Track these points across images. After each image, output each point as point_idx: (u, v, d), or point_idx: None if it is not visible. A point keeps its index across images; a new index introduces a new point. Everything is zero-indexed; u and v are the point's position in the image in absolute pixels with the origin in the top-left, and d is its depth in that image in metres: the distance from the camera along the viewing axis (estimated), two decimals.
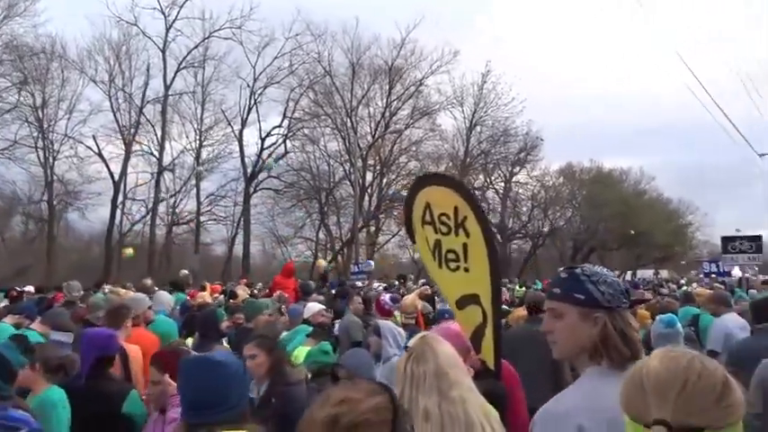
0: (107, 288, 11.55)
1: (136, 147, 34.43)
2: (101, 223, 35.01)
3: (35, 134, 32.55)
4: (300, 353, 5.71)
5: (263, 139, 36.96)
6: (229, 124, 36.43)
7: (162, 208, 35.87)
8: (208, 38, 34.74)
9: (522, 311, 7.01)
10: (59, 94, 32.98)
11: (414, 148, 38.89)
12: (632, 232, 43.46)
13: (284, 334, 6.72)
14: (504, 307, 9.93)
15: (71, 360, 4.14)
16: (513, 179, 43.34)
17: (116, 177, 33.77)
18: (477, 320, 3.11)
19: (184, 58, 34.81)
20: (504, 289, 16.45)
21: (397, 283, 17.47)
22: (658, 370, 1.33)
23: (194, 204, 36.61)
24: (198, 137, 36.15)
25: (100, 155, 33.62)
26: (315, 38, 35.53)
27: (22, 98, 31.83)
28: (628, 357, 1.89)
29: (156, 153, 34.95)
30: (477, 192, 40.58)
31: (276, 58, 35.52)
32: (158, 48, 34.46)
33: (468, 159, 40.75)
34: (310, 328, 6.46)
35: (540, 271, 41.38)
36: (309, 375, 4.93)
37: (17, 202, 33.83)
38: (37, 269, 30.88)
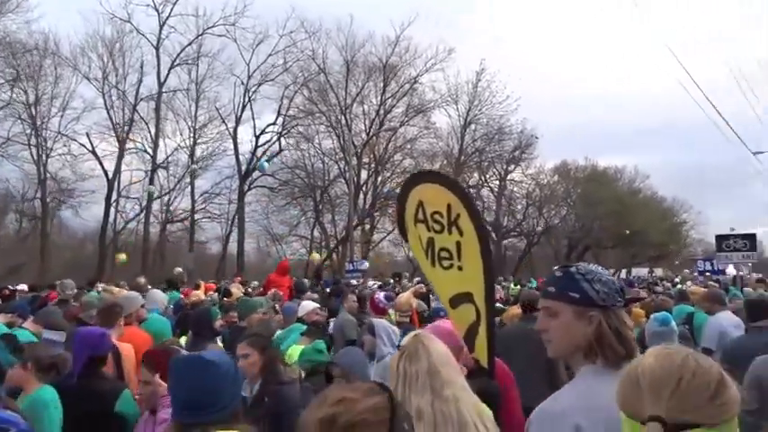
0: (100, 286, 11.52)
1: (130, 144, 34.35)
2: (95, 221, 34.96)
3: (28, 131, 32.41)
4: (294, 351, 5.70)
5: (257, 137, 36.93)
6: (223, 122, 36.40)
7: (156, 206, 35.80)
8: (201, 35, 34.67)
9: (516, 310, 7.01)
10: (53, 91, 32.91)
11: (408, 146, 38.87)
12: (627, 232, 43.64)
13: (278, 332, 6.70)
14: (498, 305, 9.94)
15: (63, 359, 4.12)
16: (508, 177, 43.43)
17: (110, 175, 33.65)
18: (470, 319, 3.10)
19: (178, 55, 34.75)
20: (498, 287, 16.45)
21: (392, 281, 17.46)
22: (654, 367, 1.33)
23: (189, 202, 36.58)
24: (192, 134, 36.10)
25: (93, 152, 33.52)
26: (309, 35, 35.52)
27: (14, 95, 31.71)
28: (623, 356, 1.89)
29: (149, 151, 34.85)
30: (471, 190, 40.61)
31: (270, 55, 35.50)
32: (152, 45, 34.39)
33: (463, 157, 40.75)
34: (305, 327, 6.45)
35: (534, 269, 41.48)
36: (303, 374, 4.93)
37: (10, 199, 33.71)
38: (30, 267, 30.76)
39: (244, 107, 36.34)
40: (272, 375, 3.76)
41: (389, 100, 38.29)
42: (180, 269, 16.21)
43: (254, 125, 36.88)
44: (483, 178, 42.96)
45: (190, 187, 36.33)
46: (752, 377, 3.90)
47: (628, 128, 70.40)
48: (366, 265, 17.59)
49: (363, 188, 38.58)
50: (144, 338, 5.31)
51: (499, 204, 43.31)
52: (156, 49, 34.34)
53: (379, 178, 39.01)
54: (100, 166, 33.59)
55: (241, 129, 36.85)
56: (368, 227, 38.69)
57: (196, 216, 36.81)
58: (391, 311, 7.39)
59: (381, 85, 37.85)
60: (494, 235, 42.93)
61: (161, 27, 34.12)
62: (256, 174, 36.00)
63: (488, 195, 43.63)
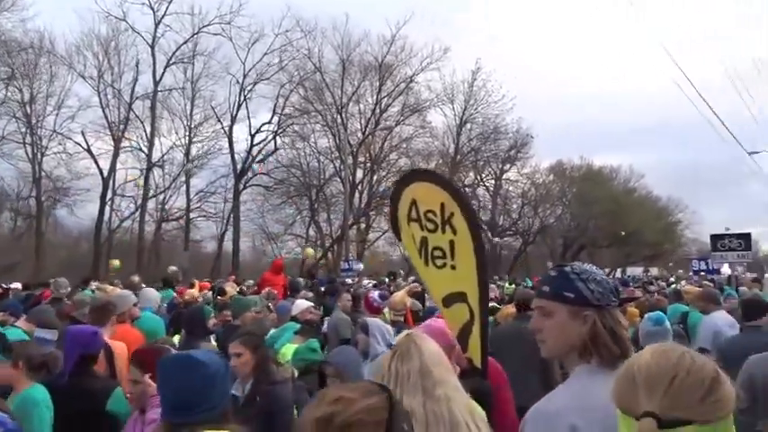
0: (94, 285, 11.47)
1: (125, 143, 34.24)
2: (90, 220, 34.79)
3: (23, 130, 32.28)
4: (288, 350, 5.68)
5: (252, 136, 36.84)
6: (219, 120, 36.25)
7: (151, 204, 35.73)
8: (197, 33, 34.51)
9: (510, 309, 7.00)
10: (48, 89, 32.77)
11: (404, 146, 38.90)
12: (623, 233, 43.74)
13: (272, 331, 6.68)
14: (493, 304, 9.94)
15: (54, 357, 4.10)
16: (504, 176, 43.47)
17: (105, 173, 33.54)
18: (464, 318, 3.08)
19: (173, 53, 34.57)
20: (493, 286, 16.45)
21: (387, 280, 17.43)
22: (649, 364, 1.34)
23: (184, 201, 36.50)
24: (187, 133, 35.97)
25: (89, 151, 33.40)
26: (305, 34, 35.44)
27: (9, 93, 31.54)
28: (617, 356, 1.89)
29: (145, 149, 34.77)
30: (467, 189, 40.69)
31: (266, 54, 35.40)
32: (147, 43, 34.24)
33: (459, 156, 40.78)
34: (298, 326, 6.42)
35: (530, 268, 41.54)
36: (297, 373, 4.91)
37: (5, 198, 33.55)
38: (25, 266, 30.62)
39: (239, 106, 36.30)
40: (265, 375, 3.74)
41: (385, 99, 38.30)
42: (174, 268, 16.15)
43: (250, 124, 36.87)
44: (479, 177, 43.04)
45: (185, 186, 36.25)
46: (745, 376, 3.90)
47: (623, 127, 70.67)
48: (360, 266, 17.56)
49: (359, 187, 38.61)
50: (136, 337, 5.28)
51: (495, 203, 43.37)
52: (152, 47, 34.24)
53: (375, 177, 39.03)
54: (95, 164, 33.53)
55: (236, 127, 36.82)
56: (363, 226, 38.70)
57: (191, 215, 36.75)
58: (386, 310, 7.36)
59: (377, 84, 37.83)
60: (489, 234, 43.02)
61: (156, 25, 34.03)
62: (251, 172, 35.96)
63: (484, 194, 43.78)
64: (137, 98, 34.36)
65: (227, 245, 37.30)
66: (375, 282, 16.70)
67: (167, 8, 33.76)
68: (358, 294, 8.98)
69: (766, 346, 4.17)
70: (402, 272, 21.73)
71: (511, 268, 41.25)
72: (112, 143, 33.70)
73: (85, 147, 33.27)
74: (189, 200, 36.32)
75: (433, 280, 3.29)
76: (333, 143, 37.44)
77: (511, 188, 44.25)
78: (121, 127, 33.93)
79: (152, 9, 33.63)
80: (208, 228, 38.68)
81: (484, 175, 43.25)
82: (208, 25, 34.34)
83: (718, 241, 14.32)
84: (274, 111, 36.60)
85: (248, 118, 36.67)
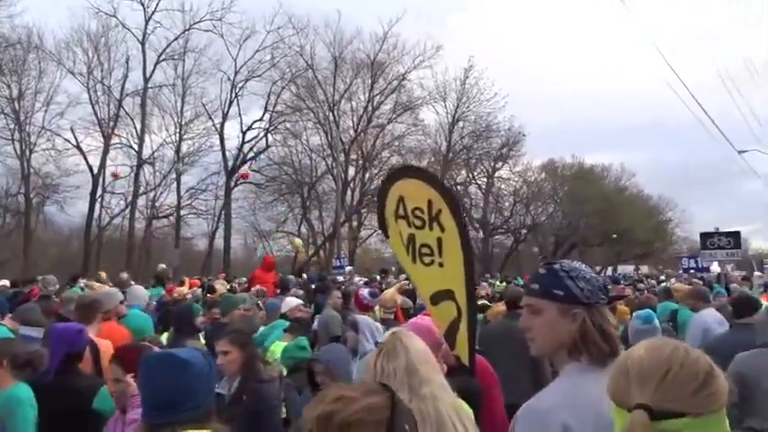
0: (82, 282, 11.40)
1: (115, 140, 34.03)
2: (80, 217, 34.62)
3: (11, 126, 32.00)
4: (277, 348, 5.66)
5: (244, 133, 36.72)
6: (210, 118, 36.11)
7: (141, 201, 35.55)
8: (188, 30, 34.35)
9: (501, 307, 6.99)
10: (36, 85, 32.52)
11: (396, 143, 38.91)
12: (614, 232, 43.92)
13: (261, 329, 6.65)
14: (484, 302, 9.94)
15: (39, 356, 4.05)
16: (496, 174, 43.49)
17: (95, 170, 33.34)
18: (451, 316, 3.06)
19: (164, 50, 34.41)
20: (485, 284, 16.46)
21: (378, 277, 17.41)
22: (643, 358, 1.36)
23: (174, 198, 36.33)
24: (178, 130, 35.78)
25: (78, 147, 33.20)
26: (297, 31, 35.38)
27: None
28: (607, 354, 1.89)
29: (135, 146, 34.59)
30: (459, 187, 40.76)
31: (257, 51, 35.29)
32: (137, 40, 34.07)
33: (451, 154, 40.80)
34: (288, 323, 6.39)
35: (521, 266, 41.65)
36: (285, 371, 4.88)
37: None
38: (14, 264, 30.42)
39: (230, 103, 36.17)
40: (252, 373, 3.71)
41: (377, 97, 38.27)
42: (164, 266, 16.10)
43: (241, 121, 36.74)
44: (471, 175, 43.05)
45: (176, 183, 36.10)
46: (733, 373, 3.90)
47: (615, 126, 70.87)
48: (350, 268, 17.53)
49: (351, 185, 38.58)
50: (123, 334, 5.24)
51: (486, 201, 43.43)
52: (142, 44, 34.07)
53: (367, 175, 39.00)
54: (84, 161, 33.33)
55: (228, 125, 36.70)
56: (355, 223, 38.67)
57: (182, 212, 36.58)
58: (377, 308, 7.34)
59: (369, 81, 37.82)
60: (481, 232, 43.08)
61: (147, 22, 33.87)
62: (243, 170, 35.87)
63: (476, 192, 43.81)
64: (127, 95, 34.22)
65: (219, 242, 37.25)
66: (366, 279, 16.66)
67: (158, 4, 33.64)
68: (348, 292, 8.96)
69: (755, 343, 4.18)
70: (393, 269, 21.71)
71: (502, 266, 41.33)
72: (102, 140, 33.50)
73: (75, 143, 33.12)
74: (180, 197, 36.17)
75: (421, 277, 3.27)
76: (325, 141, 37.44)
77: (503, 186, 44.35)
78: (111, 124, 33.74)
79: (142, 5, 33.51)
80: (199, 225, 38.61)
81: (476, 173, 43.29)
82: (199, 22, 34.23)
83: (707, 239, 14.36)
84: (266, 108, 36.55)
85: (239, 115, 36.63)
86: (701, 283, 11.80)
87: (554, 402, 1.81)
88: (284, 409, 4.50)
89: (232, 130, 37.39)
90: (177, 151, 35.39)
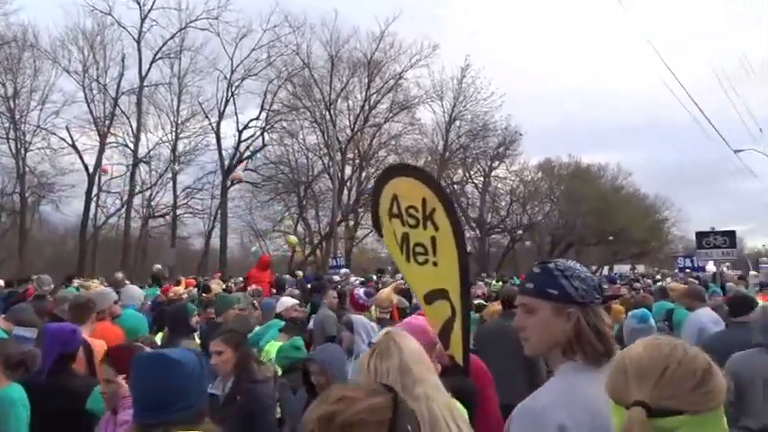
0: (76, 282, 11.36)
1: (110, 138, 33.95)
2: (75, 216, 34.53)
3: (6, 125, 31.92)
4: (272, 348, 5.64)
5: (240, 132, 36.69)
6: (206, 116, 36.08)
7: (137, 201, 35.46)
8: (184, 28, 34.34)
9: (497, 306, 6.99)
10: (32, 84, 32.46)
11: (393, 142, 38.90)
12: (610, 231, 43.98)
13: (257, 329, 6.63)
14: (480, 301, 9.95)
15: (32, 356, 4.02)
16: (492, 174, 43.48)
17: (90, 169, 33.21)
18: (445, 315, 3.04)
19: (160, 48, 34.35)
20: (481, 283, 16.48)
21: (374, 277, 17.39)
22: (641, 356, 1.37)
23: (170, 197, 36.25)
24: (174, 129, 35.74)
25: (74, 146, 33.10)
26: (293, 30, 35.34)
27: None
28: (602, 353, 1.89)
29: (131, 145, 34.49)
30: (456, 186, 40.77)
31: (254, 49, 35.27)
32: (133, 38, 34.01)
33: (448, 154, 40.77)
34: (283, 323, 6.38)
35: (518, 266, 41.65)
36: (280, 371, 4.87)
37: None
38: (9, 263, 30.33)
39: (227, 102, 36.15)
40: (246, 373, 3.69)
41: (374, 96, 38.25)
42: (159, 266, 16.05)
43: (237, 120, 36.73)
44: (467, 175, 43.08)
45: (172, 182, 36.01)
46: (729, 372, 3.89)
47: (611, 125, 70.99)
48: (345, 271, 17.49)
49: (347, 184, 38.55)
50: (116, 334, 5.20)
51: (483, 201, 43.43)
52: (138, 42, 33.99)
53: (364, 174, 38.94)
54: (80, 160, 33.23)
55: (224, 123, 36.68)
56: (352, 223, 38.63)
57: (178, 211, 36.51)
58: (373, 308, 7.32)
59: (366, 80, 37.78)
60: (478, 231, 43.10)
61: (142, 20, 33.80)
62: (237, 173, 35.81)
63: (473, 192, 43.87)
64: (122, 93, 34.16)
65: (215, 242, 37.17)
66: (362, 279, 16.65)
67: (154, 3, 33.62)
68: (344, 292, 8.95)
69: (751, 342, 4.17)
70: (390, 268, 21.70)
71: (499, 265, 41.36)
72: (98, 139, 33.43)
73: (70, 142, 33.02)
74: (176, 196, 36.12)
75: (415, 277, 3.25)
76: (321, 140, 37.38)
77: (499, 185, 44.37)
78: (107, 122, 33.68)
79: (138, 4, 33.47)
80: (195, 224, 38.56)
81: (473, 173, 43.32)
82: (195, 20, 34.21)
83: (703, 239, 14.40)
84: (262, 107, 36.53)
85: (236, 114, 36.62)
86: (696, 282, 11.82)
87: (549, 402, 1.80)
88: (279, 409, 4.49)
89: (228, 129, 37.45)
90: (173, 150, 35.33)
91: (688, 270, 17.51)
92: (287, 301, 7.06)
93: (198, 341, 5.89)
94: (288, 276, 14.05)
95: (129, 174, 34.22)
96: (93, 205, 33.96)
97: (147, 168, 35.56)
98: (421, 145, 39.94)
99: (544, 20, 71.07)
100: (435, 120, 40.36)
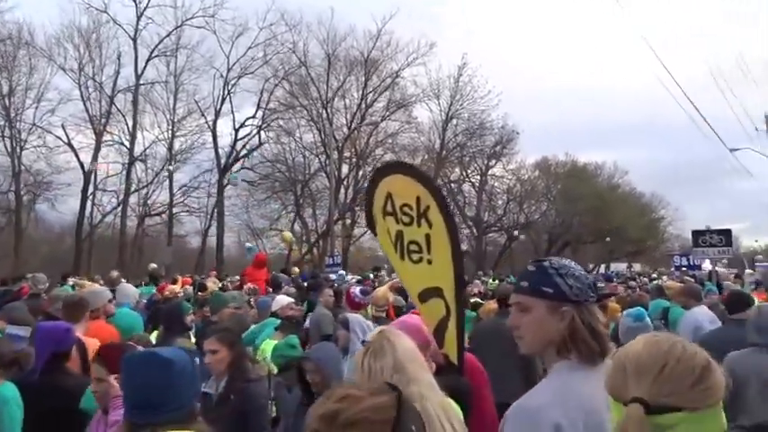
0: (71, 281, 11.32)
1: (106, 137, 33.83)
2: (72, 214, 34.41)
3: (2, 123, 31.79)
4: (268, 346, 5.62)
5: (236, 130, 36.64)
6: (203, 115, 36.01)
7: (133, 199, 35.39)
8: (180, 26, 34.24)
9: (492, 305, 6.99)
10: (27, 82, 32.30)
11: (390, 141, 38.87)
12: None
13: (252, 327, 6.61)
14: (477, 300, 9.95)
15: (26, 355, 4.01)
16: (489, 172, 43.55)
17: (86, 168, 33.10)
18: (440, 314, 3.03)
19: (156, 46, 34.26)
20: (478, 282, 16.50)
21: (371, 275, 17.37)
22: (640, 353, 1.37)
23: (167, 195, 36.19)
24: (170, 127, 35.63)
25: (69, 144, 33.01)
26: (290, 28, 35.31)
27: None
28: (596, 352, 1.88)
29: (127, 143, 34.41)
30: (452, 185, 40.79)
31: (250, 48, 35.21)
32: (129, 36, 33.89)
33: (445, 152, 40.79)
34: (278, 321, 6.36)
35: (515, 264, 41.64)
36: (276, 370, 4.85)
37: None
38: (5, 262, 30.21)
39: (223, 100, 36.08)
40: (240, 372, 3.67)
41: (371, 94, 38.24)
42: (155, 265, 16.02)
43: (234, 118, 36.67)
44: (464, 173, 43.09)
45: (168, 181, 35.95)
46: (725, 372, 3.89)
47: (608, 124, 71.09)
48: (342, 273, 17.47)
49: (344, 182, 38.52)
50: (110, 333, 5.17)
51: (480, 199, 43.46)
52: (134, 40, 33.90)
53: (360, 173, 38.89)
54: (76, 158, 33.13)
55: (220, 122, 36.61)
56: (348, 221, 38.59)
57: (174, 210, 36.43)
58: (369, 306, 7.30)
59: (363, 79, 37.78)
60: (474, 230, 43.12)
61: (138, 18, 33.70)
62: (236, 168, 35.76)
63: (469, 190, 43.87)
64: (118, 91, 34.07)
65: (212, 240, 37.11)
66: (359, 277, 16.63)
67: (149, 0, 33.47)
68: (340, 290, 8.93)
69: (747, 339, 4.17)
70: (386, 267, 21.70)
71: (495, 264, 41.40)
72: (94, 137, 33.33)
73: (66, 140, 32.93)
74: (172, 195, 36.04)
75: (409, 275, 3.24)
76: (318, 138, 37.40)
77: (496, 184, 44.40)
78: (103, 120, 33.57)
79: (134, 1, 33.39)
80: (191, 223, 38.49)
81: (469, 171, 43.35)
82: (191, 18, 34.12)
83: (699, 237, 14.39)
84: (258, 105, 36.48)
85: (232, 112, 36.58)
86: (692, 280, 11.85)
87: (544, 401, 1.79)
88: (274, 408, 4.48)
89: (225, 128, 37.37)
90: (170, 148, 35.24)
91: (684, 268, 17.56)
92: (283, 300, 7.05)
93: (193, 340, 5.87)
94: (283, 275, 14.02)
95: (125, 172, 34.15)
96: (89, 204, 33.93)
97: (143, 167, 35.54)
98: (418, 143, 40.01)
99: (541, 18, 71.15)
100: (432, 118, 40.45)
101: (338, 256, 24.45)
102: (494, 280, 19.08)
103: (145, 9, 33.54)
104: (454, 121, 40.60)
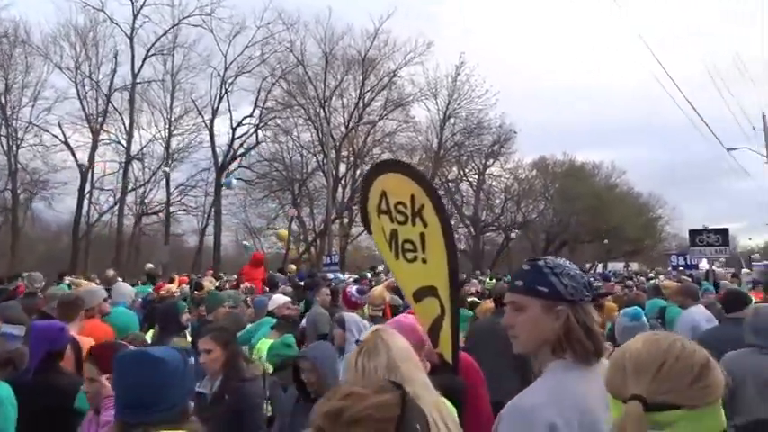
0: (67, 279, 11.30)
1: (103, 135, 33.78)
2: (68, 213, 34.34)
3: None
4: (264, 345, 5.61)
5: (234, 129, 36.56)
6: (200, 113, 35.95)
7: (131, 198, 35.33)
8: (177, 25, 34.13)
9: (489, 304, 6.98)
10: (23, 80, 32.24)
11: (387, 140, 38.82)
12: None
13: (248, 326, 6.59)
14: (474, 299, 9.95)
15: (20, 354, 3.98)
16: (487, 172, 43.53)
17: (83, 166, 33.04)
18: (434, 313, 3.02)
19: (153, 45, 34.18)
20: (475, 281, 16.49)
21: (368, 274, 17.36)
22: (640, 351, 1.38)
23: (164, 194, 36.13)
24: (167, 126, 35.59)
25: (66, 143, 32.93)
26: (287, 27, 35.23)
27: None
28: (591, 352, 1.88)
29: (123, 142, 34.36)
30: (450, 184, 40.78)
31: (247, 46, 35.14)
32: (126, 34, 33.80)
33: (442, 151, 40.77)
34: (275, 321, 6.34)
35: (512, 263, 41.65)
36: (272, 369, 4.84)
37: None
38: (1, 261, 30.14)
39: (220, 99, 36.01)
40: (234, 372, 3.66)
41: (368, 93, 38.20)
42: (151, 265, 15.98)
43: (231, 117, 36.60)
44: (462, 172, 43.08)
45: (165, 179, 35.87)
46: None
47: (606, 124, 71.11)
48: (341, 276, 17.45)
49: (342, 181, 38.47)
50: (105, 332, 5.16)
51: (478, 199, 43.47)
52: (131, 38, 33.81)
53: (358, 172, 38.79)
54: (72, 157, 33.05)
55: (218, 121, 36.55)
56: (346, 220, 38.57)
57: (172, 209, 36.38)
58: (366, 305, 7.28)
59: (360, 78, 37.74)
60: (472, 229, 43.13)
61: (135, 16, 33.61)
62: (233, 167, 35.73)
63: (467, 190, 43.88)
64: (115, 90, 33.98)
65: (209, 239, 37.07)
66: (356, 276, 16.61)
67: None
68: (337, 289, 8.91)
69: (744, 339, 4.17)
70: (384, 266, 21.69)
71: (493, 263, 41.42)
72: (90, 135, 33.24)
73: (63, 139, 32.85)
74: (169, 194, 35.96)
75: (404, 274, 3.23)
76: (316, 137, 37.36)
77: (494, 183, 44.39)
78: (99, 119, 33.51)
79: (131, 0, 33.20)
80: (189, 222, 38.46)
81: (467, 171, 43.32)
82: (188, 17, 34.04)
83: (696, 237, 14.39)
84: (256, 104, 36.41)
85: (229, 111, 36.49)
86: (689, 280, 11.85)
87: (540, 401, 1.79)
88: (270, 407, 4.46)
89: (222, 127, 37.31)
90: (167, 147, 35.18)
91: (681, 268, 17.56)
92: (279, 299, 7.03)
93: (189, 339, 5.85)
94: (279, 274, 14.01)
95: (122, 171, 34.07)
96: (86, 202, 33.83)
97: (140, 165, 35.49)
98: (415, 143, 39.97)
99: (539, 17, 71.19)
100: (430, 117, 40.42)
101: (336, 255, 24.42)
102: (491, 279, 19.06)
103: (141, 7, 33.49)
104: (452, 121, 40.60)
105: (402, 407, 1.35)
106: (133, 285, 10.77)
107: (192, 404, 3.07)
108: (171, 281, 12.88)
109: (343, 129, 37.87)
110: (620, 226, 45.28)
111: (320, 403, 1.39)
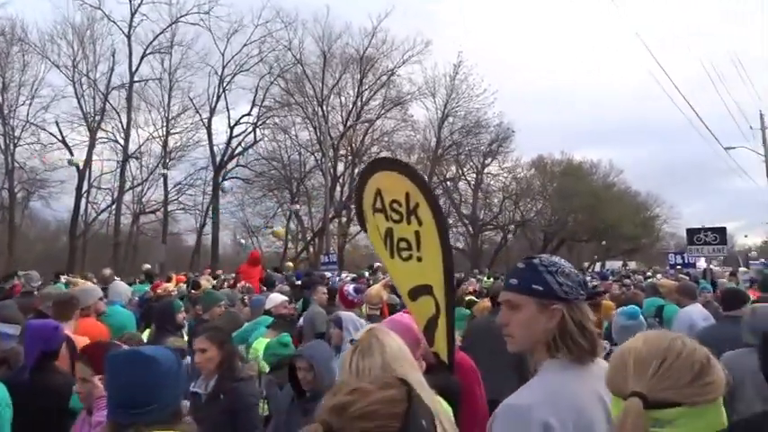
0: (64, 278, 11.27)
1: (101, 134, 33.73)
2: (66, 212, 34.30)
3: None
4: (260, 344, 5.60)
5: (231, 128, 36.52)
6: (197, 112, 35.90)
7: (128, 197, 35.26)
8: (174, 23, 34.11)
9: (487, 303, 6.98)
10: (20, 78, 32.17)
11: (385, 139, 38.86)
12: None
13: (245, 325, 6.58)
14: (471, 298, 9.95)
15: (15, 353, 3.97)
16: (485, 171, 43.52)
17: (80, 165, 32.94)
18: (430, 312, 3.01)
19: (150, 43, 34.13)
20: (473, 280, 16.48)
21: (366, 273, 17.34)
22: (641, 349, 1.39)
23: (161, 193, 36.07)
24: (165, 125, 35.51)
25: (63, 142, 32.87)
26: (285, 25, 35.23)
27: None
28: (586, 351, 1.87)
29: (121, 141, 34.27)
30: (448, 183, 40.76)
31: (245, 45, 35.13)
32: (123, 33, 33.76)
33: (440, 150, 40.77)
34: (271, 320, 6.33)
35: (510, 262, 41.61)
36: (268, 368, 4.82)
37: None
38: None
39: (218, 97, 35.98)
40: (230, 371, 3.64)
41: (366, 92, 38.19)
42: (148, 265, 15.96)
43: (229, 116, 36.55)
44: (460, 171, 43.09)
45: (163, 178, 35.82)
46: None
47: (603, 123, 71.19)
48: (339, 279, 17.43)
49: (340, 180, 38.48)
50: (100, 331, 5.14)
51: (476, 198, 43.48)
52: (128, 37, 33.75)
53: (356, 170, 38.75)
54: (70, 155, 32.92)
55: (215, 119, 36.53)
56: (344, 219, 38.55)
57: (169, 207, 36.33)
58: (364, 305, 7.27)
59: (358, 76, 37.70)
60: (470, 228, 43.13)
61: (133, 15, 33.55)
62: (231, 165, 35.70)
63: (465, 188, 43.91)
64: (113, 88, 33.93)
65: (207, 238, 36.99)
66: (354, 275, 16.60)
67: None
68: (334, 288, 8.89)
69: (741, 337, 4.16)
70: (382, 265, 21.66)
71: (491, 262, 41.42)
72: (88, 134, 33.19)
73: (60, 138, 32.76)
74: (167, 192, 35.92)
75: (399, 272, 3.22)
76: (314, 136, 37.35)
77: (492, 182, 44.38)
78: (97, 118, 33.45)
79: None
80: (187, 220, 38.39)
81: (465, 169, 43.33)
82: (186, 15, 34.00)
83: (693, 235, 14.39)
84: (254, 103, 36.38)
85: (227, 110, 36.45)
86: (687, 278, 11.85)
87: (535, 400, 1.78)
88: (266, 406, 4.45)
89: (220, 125, 37.26)
90: (164, 146, 35.11)
91: (679, 266, 17.56)
92: (276, 298, 7.02)
93: (185, 338, 5.84)
94: (276, 273, 13.99)
95: (119, 170, 34.01)
96: (83, 201, 33.79)
97: (137, 164, 35.43)
98: (413, 141, 39.98)
99: (537, 17, 71.19)
100: (428, 116, 40.43)
101: (334, 254, 24.40)
102: (489, 278, 19.06)
103: (139, 6, 33.45)
104: (450, 120, 40.61)
105: (408, 402, 1.35)
106: (130, 284, 10.76)
107: (188, 404, 3.06)
108: (168, 280, 12.86)
109: (341, 127, 37.84)
110: (618, 225, 45.33)
111: (326, 398, 1.39)
